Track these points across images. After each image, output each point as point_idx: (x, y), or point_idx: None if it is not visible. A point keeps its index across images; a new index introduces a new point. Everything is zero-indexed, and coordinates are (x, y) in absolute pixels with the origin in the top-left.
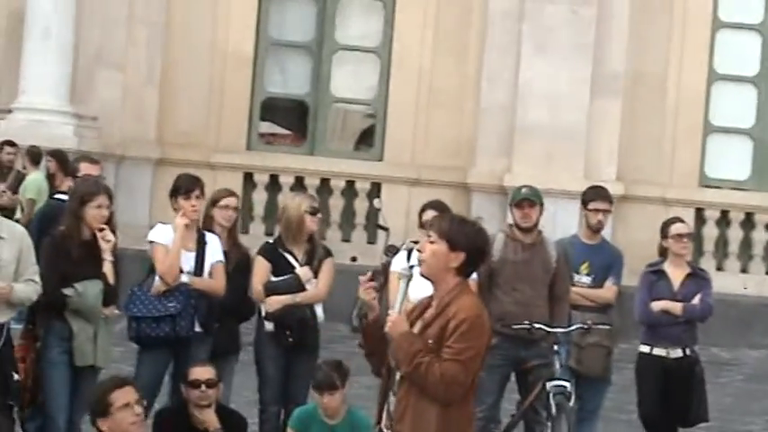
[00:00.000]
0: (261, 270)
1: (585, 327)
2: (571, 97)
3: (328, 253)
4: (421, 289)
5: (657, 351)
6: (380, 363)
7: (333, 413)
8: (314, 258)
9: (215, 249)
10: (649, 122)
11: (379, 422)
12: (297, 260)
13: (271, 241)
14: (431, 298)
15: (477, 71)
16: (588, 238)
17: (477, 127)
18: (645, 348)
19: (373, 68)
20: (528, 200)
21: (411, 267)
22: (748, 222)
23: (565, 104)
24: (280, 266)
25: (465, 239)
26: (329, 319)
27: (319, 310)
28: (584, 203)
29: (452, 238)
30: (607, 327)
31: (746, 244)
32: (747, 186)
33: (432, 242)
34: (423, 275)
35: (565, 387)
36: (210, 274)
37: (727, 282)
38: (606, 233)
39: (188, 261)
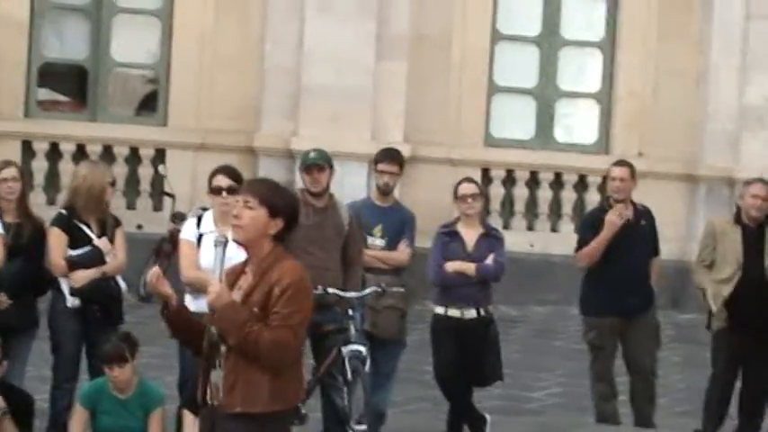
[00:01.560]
0: (58, 242)
1: (380, 290)
2: (356, 59)
3: (118, 222)
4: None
5: (452, 312)
6: (197, 345)
7: (123, 386)
8: (106, 229)
9: None
10: (434, 83)
11: (203, 397)
12: (92, 231)
13: (64, 212)
14: (244, 264)
15: (261, 33)
16: (380, 200)
17: (262, 90)
18: (439, 309)
19: (154, 32)
20: (317, 164)
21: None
22: (533, 181)
23: (350, 66)
24: (76, 238)
25: (284, 205)
26: None
27: (122, 281)
28: (374, 165)
29: (273, 204)
30: (401, 289)
31: (532, 202)
32: (531, 145)
33: (250, 208)
34: (237, 242)
35: (360, 351)
36: None
37: (514, 240)
38: (395, 194)
39: None
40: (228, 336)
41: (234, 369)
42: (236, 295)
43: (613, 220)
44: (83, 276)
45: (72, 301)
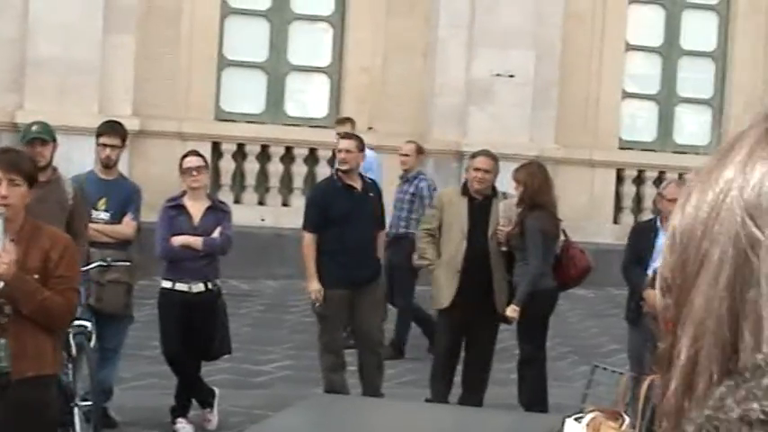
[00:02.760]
0: None
1: (104, 264)
2: (83, 30)
3: None
4: None
5: (179, 286)
6: None
7: None
8: None
9: None
10: (164, 57)
11: None
12: None
13: None
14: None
15: None
16: (103, 173)
17: None
18: (167, 284)
19: None
20: (40, 138)
21: None
22: (264, 155)
23: (77, 38)
24: None
25: (34, 174)
26: None
27: None
28: (97, 138)
29: (31, 176)
30: (127, 263)
31: (263, 177)
32: (262, 119)
33: (17, 185)
34: (11, 219)
35: (85, 327)
36: None
37: (245, 214)
38: (124, 169)
39: None
40: (22, 305)
41: (22, 334)
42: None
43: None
44: None
45: None
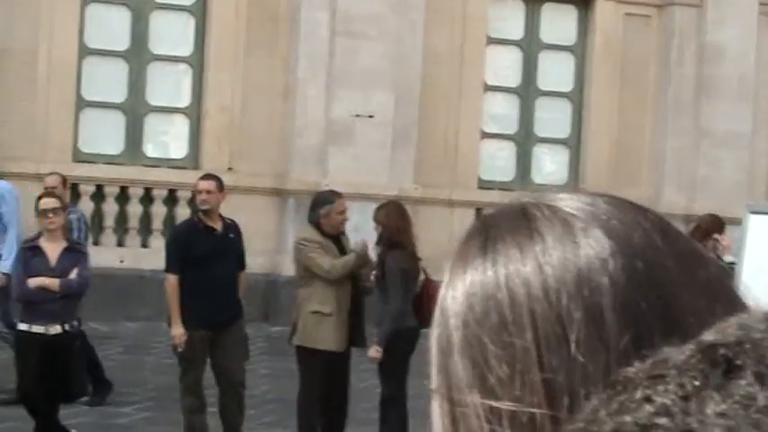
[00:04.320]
0: None
1: None
2: None
3: None
4: None
5: (36, 328)
6: None
7: None
8: None
9: None
10: (21, 98)
11: None
12: None
13: None
14: None
15: None
16: None
17: None
18: (23, 326)
19: None
20: None
21: None
22: (123, 196)
23: None
24: None
25: None
26: None
27: None
28: None
29: None
30: None
31: (122, 218)
32: (121, 160)
33: None
34: None
35: None
36: None
37: (105, 255)
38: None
39: None
40: None
41: None
42: None
43: None
44: None
45: None
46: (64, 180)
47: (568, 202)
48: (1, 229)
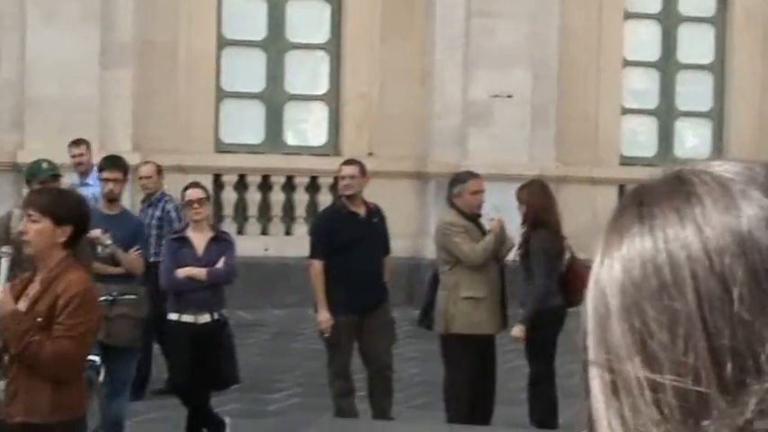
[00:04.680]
0: None
1: (111, 298)
2: (81, 68)
3: None
4: None
5: (185, 317)
6: None
7: None
8: None
9: None
10: (162, 90)
11: None
12: None
13: None
14: (33, 272)
15: None
16: (107, 208)
17: None
18: (173, 316)
19: None
20: (54, 175)
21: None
22: (265, 185)
23: (75, 76)
24: None
25: (69, 212)
26: None
27: None
28: (99, 173)
29: (56, 213)
30: (133, 297)
31: (265, 206)
32: (262, 149)
33: (34, 220)
34: (32, 255)
35: (94, 362)
36: None
37: (249, 244)
38: (126, 204)
39: None
40: (11, 345)
41: (16, 378)
42: (23, 304)
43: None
44: None
45: None
46: (159, 169)
47: (724, 167)
48: None
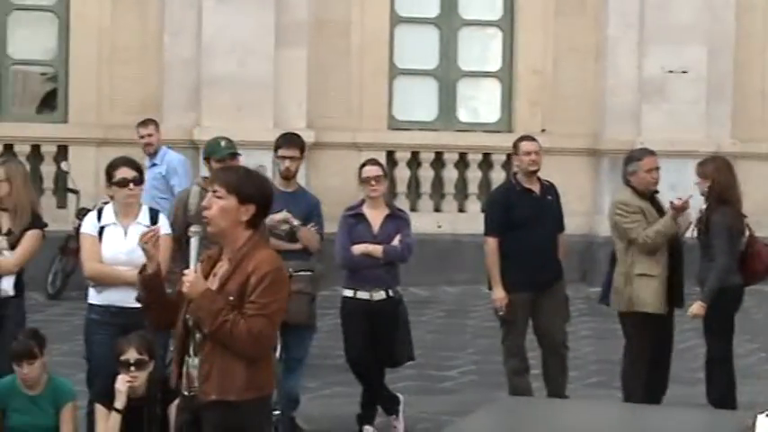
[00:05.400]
0: None
1: (288, 274)
2: (256, 47)
3: (34, 223)
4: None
5: (361, 294)
6: (159, 316)
7: (33, 383)
8: (17, 228)
9: None
10: (335, 69)
11: (178, 384)
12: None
13: None
14: (219, 251)
15: (159, 25)
16: (283, 185)
17: (163, 83)
18: (348, 292)
19: (51, 28)
20: (232, 154)
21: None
22: (438, 162)
23: (250, 54)
24: None
25: (255, 191)
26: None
27: (6, 282)
28: (275, 151)
29: (242, 191)
30: (309, 273)
31: (438, 183)
32: (435, 126)
33: (219, 197)
34: (212, 233)
35: None
36: None
37: (422, 221)
38: (301, 181)
39: None
40: (204, 324)
41: (209, 357)
42: (212, 283)
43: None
44: None
45: None
46: (156, 125)
47: None
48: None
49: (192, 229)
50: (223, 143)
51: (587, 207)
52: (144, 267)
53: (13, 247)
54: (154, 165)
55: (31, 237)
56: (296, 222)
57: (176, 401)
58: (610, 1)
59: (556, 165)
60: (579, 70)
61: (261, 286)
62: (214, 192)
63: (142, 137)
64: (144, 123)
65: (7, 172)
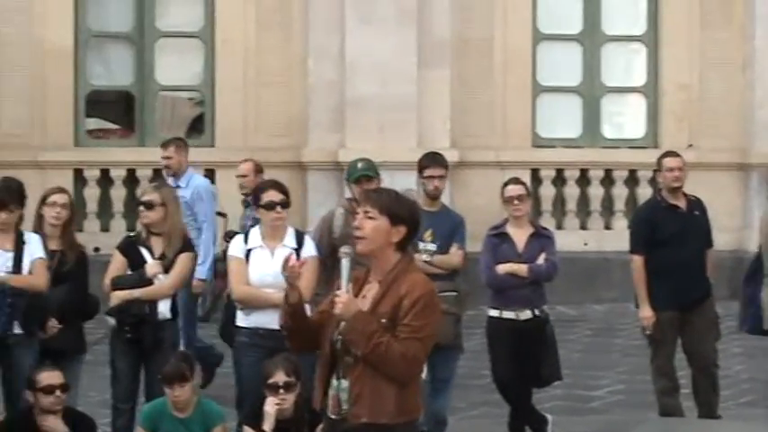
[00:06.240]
0: (114, 264)
1: None
2: (399, 67)
3: (186, 247)
4: (261, 267)
5: (507, 314)
6: (301, 341)
7: (183, 406)
8: (170, 252)
9: (35, 248)
10: (479, 87)
11: (322, 407)
12: (152, 254)
13: (130, 234)
14: (366, 273)
15: (303, 47)
16: (428, 205)
17: (308, 104)
18: (494, 312)
19: (197, 53)
20: (366, 175)
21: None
22: (583, 179)
23: (393, 75)
24: (135, 261)
25: (406, 213)
26: None
27: (163, 305)
28: (420, 171)
29: (394, 213)
30: (454, 293)
31: (583, 201)
32: (580, 143)
33: (371, 218)
34: (362, 253)
35: None
36: (30, 271)
37: (568, 239)
38: (445, 200)
39: (5, 261)
40: (356, 346)
41: (360, 379)
42: (363, 305)
43: None
44: (116, 296)
45: (109, 321)
46: (257, 167)
47: None
48: (197, 229)
49: (344, 249)
50: (360, 165)
51: (737, 222)
52: (287, 296)
53: (166, 270)
54: (177, 186)
55: (184, 260)
56: (431, 247)
57: (321, 425)
58: (756, 11)
59: (704, 180)
60: (726, 83)
61: (414, 309)
62: (366, 212)
63: (163, 158)
64: (164, 145)
65: (163, 197)
